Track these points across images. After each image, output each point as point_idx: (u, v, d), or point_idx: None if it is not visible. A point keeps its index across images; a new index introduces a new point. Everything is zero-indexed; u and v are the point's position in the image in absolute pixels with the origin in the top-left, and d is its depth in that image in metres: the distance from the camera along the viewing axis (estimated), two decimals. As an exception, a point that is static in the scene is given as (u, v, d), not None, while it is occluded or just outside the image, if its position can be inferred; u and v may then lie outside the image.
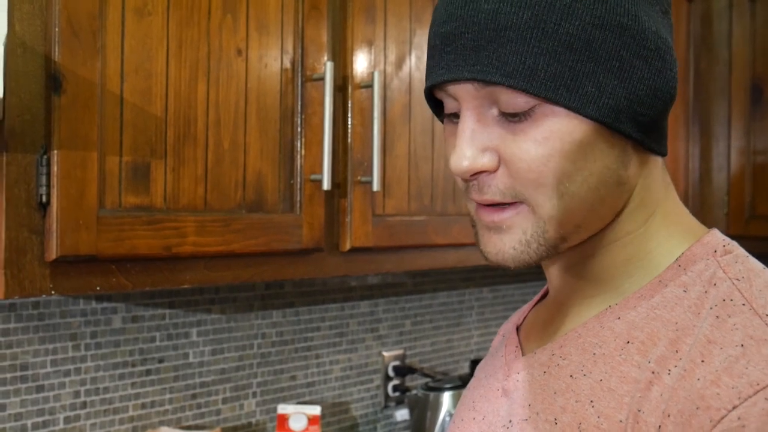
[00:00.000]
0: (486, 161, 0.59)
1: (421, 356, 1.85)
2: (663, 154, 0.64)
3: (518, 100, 0.57)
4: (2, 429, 1.17)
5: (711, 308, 0.58)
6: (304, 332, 1.59)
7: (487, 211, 0.61)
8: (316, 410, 1.45)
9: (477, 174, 0.60)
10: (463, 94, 0.60)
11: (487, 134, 0.60)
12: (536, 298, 0.79)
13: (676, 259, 0.63)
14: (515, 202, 0.60)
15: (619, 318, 0.62)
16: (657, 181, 0.65)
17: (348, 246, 1.20)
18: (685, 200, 1.99)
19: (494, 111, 0.59)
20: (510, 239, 0.61)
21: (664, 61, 0.60)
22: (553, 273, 0.69)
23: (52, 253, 0.87)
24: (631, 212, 0.64)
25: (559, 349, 0.65)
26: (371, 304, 1.73)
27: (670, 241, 0.64)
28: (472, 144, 0.59)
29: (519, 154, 0.58)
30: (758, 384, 0.51)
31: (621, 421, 0.57)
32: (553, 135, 0.58)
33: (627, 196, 0.63)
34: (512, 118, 0.58)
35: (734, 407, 0.51)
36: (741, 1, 2.04)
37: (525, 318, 0.78)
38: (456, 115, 0.63)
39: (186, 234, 0.98)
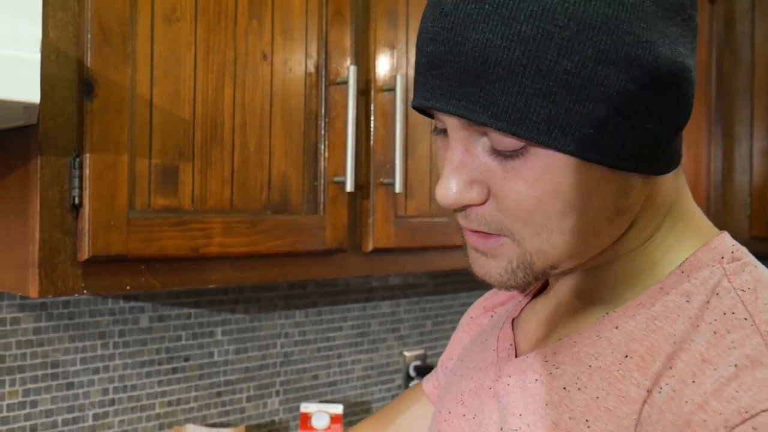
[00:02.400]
0: (474, 195, 0.55)
1: (442, 356, 1.86)
2: (674, 168, 0.58)
3: (508, 141, 0.53)
4: (34, 425, 1.20)
5: (711, 323, 0.53)
6: (327, 332, 1.61)
7: (473, 237, 0.59)
8: (338, 409, 1.47)
9: (464, 206, 0.57)
10: (451, 125, 0.55)
11: (476, 166, 0.55)
12: (533, 288, 0.74)
13: (680, 265, 0.58)
14: (499, 234, 0.57)
15: (617, 327, 0.58)
16: (665, 192, 0.60)
17: (370, 247, 1.22)
18: (707, 202, 1.98)
19: (485, 141, 0.55)
20: (496, 265, 0.58)
21: (679, 87, 0.53)
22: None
23: (84, 254, 0.89)
24: (635, 231, 0.59)
25: (553, 356, 0.60)
26: (393, 305, 1.74)
27: (677, 247, 0.60)
28: (459, 176, 0.55)
29: (509, 193, 0.54)
30: (746, 411, 0.47)
31: None
32: (545, 177, 0.53)
33: (628, 222, 0.58)
34: (503, 154, 0.54)
35: None
36: (764, 2, 2.03)
37: (522, 311, 0.72)
38: (446, 131, 0.58)
39: (213, 235, 1.01)
